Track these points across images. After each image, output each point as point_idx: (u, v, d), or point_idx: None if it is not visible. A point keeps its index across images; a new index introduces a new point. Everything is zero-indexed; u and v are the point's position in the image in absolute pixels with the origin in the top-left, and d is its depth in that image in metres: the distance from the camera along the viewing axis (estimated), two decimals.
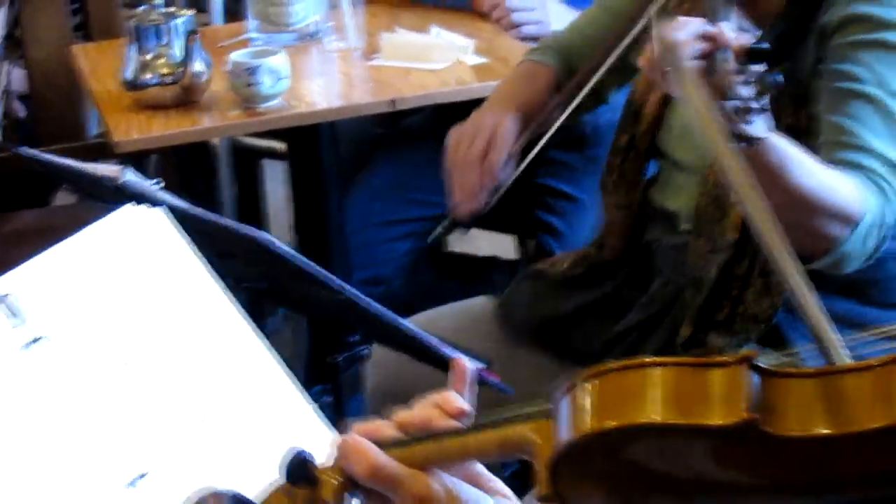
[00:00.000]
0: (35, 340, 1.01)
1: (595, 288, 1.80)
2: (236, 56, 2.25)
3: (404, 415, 0.80)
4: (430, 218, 2.55)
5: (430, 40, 2.49)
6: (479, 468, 0.81)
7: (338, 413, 1.73)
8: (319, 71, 2.47)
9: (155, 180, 1.54)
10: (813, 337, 1.07)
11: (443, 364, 1.44)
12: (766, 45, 1.32)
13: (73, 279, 1.05)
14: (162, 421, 1.01)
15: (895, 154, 1.50)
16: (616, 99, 1.90)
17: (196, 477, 0.95)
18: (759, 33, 1.56)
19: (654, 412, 0.65)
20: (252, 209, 3.18)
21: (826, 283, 1.44)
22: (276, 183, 3.30)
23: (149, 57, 2.27)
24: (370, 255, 2.54)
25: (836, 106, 1.52)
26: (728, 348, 1.60)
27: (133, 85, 2.28)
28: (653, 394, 0.65)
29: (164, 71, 2.26)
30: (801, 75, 1.57)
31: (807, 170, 1.43)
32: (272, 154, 3.17)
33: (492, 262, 2.96)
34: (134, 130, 2.22)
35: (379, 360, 1.85)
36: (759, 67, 1.33)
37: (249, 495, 0.79)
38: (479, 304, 1.91)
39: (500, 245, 2.97)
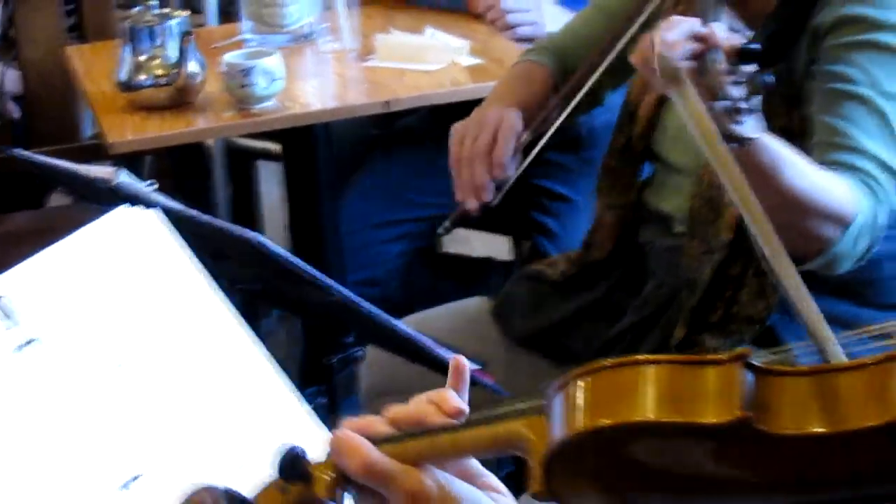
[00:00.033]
0: (28, 342, 1.00)
1: (589, 290, 1.80)
2: (230, 57, 2.25)
3: (396, 410, 0.80)
4: (426, 219, 2.56)
5: (424, 41, 2.49)
6: (474, 464, 0.81)
7: (332, 414, 1.73)
8: (314, 72, 2.47)
9: (149, 182, 1.54)
10: (809, 335, 1.07)
11: (437, 365, 1.44)
12: (756, 46, 1.32)
13: (67, 281, 1.05)
14: (155, 423, 1.01)
15: (888, 155, 1.50)
16: (612, 100, 1.90)
17: (189, 479, 0.95)
18: (750, 34, 1.57)
19: (648, 410, 0.65)
20: (247, 210, 3.18)
21: (822, 285, 1.44)
22: (270, 184, 3.30)
23: (143, 58, 2.27)
24: (365, 257, 2.54)
25: (829, 107, 1.52)
26: (722, 350, 1.60)
27: (127, 86, 2.27)
28: (647, 392, 0.65)
29: (159, 72, 2.26)
30: (793, 76, 1.57)
31: (799, 170, 1.43)
32: (267, 155, 3.17)
33: (487, 263, 2.96)
34: (128, 131, 2.21)
35: (373, 362, 1.85)
36: (750, 68, 1.33)
37: (243, 493, 0.79)
38: (474, 305, 1.91)
39: (495, 246, 2.97)
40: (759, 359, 0.66)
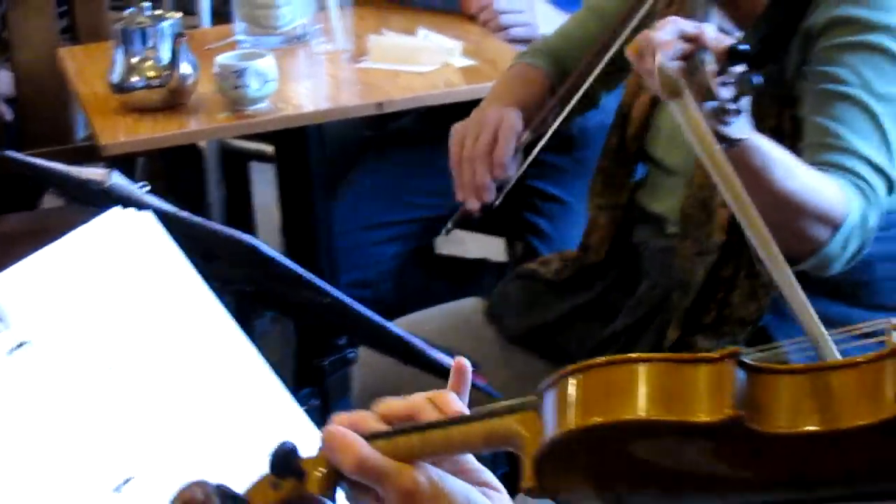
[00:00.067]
0: (20, 345, 1.00)
1: (583, 291, 1.80)
2: (223, 59, 2.25)
3: (388, 405, 0.80)
4: (419, 220, 2.56)
5: (417, 42, 2.49)
6: (470, 460, 0.81)
7: (325, 416, 1.72)
8: (307, 73, 2.47)
9: (142, 183, 1.54)
10: (805, 334, 1.07)
11: (430, 367, 1.44)
12: (746, 47, 1.32)
13: (59, 283, 1.04)
14: (148, 425, 1.01)
15: (879, 156, 1.50)
16: (606, 102, 1.91)
17: (182, 481, 0.95)
18: (741, 35, 1.57)
19: (640, 408, 0.65)
20: (240, 211, 3.17)
21: (815, 286, 1.44)
22: (264, 185, 3.30)
23: (136, 60, 2.27)
24: (358, 258, 2.54)
25: (820, 108, 1.52)
26: (715, 350, 1.60)
27: (120, 88, 2.27)
28: (638, 390, 0.65)
29: (152, 74, 2.26)
30: (784, 77, 1.57)
31: (790, 171, 1.43)
32: (260, 156, 3.17)
33: (481, 265, 2.96)
34: (121, 133, 2.21)
35: (366, 363, 1.85)
36: (739, 69, 1.33)
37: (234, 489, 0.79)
38: (468, 306, 1.91)
39: (489, 247, 2.97)
40: (751, 356, 0.66)
